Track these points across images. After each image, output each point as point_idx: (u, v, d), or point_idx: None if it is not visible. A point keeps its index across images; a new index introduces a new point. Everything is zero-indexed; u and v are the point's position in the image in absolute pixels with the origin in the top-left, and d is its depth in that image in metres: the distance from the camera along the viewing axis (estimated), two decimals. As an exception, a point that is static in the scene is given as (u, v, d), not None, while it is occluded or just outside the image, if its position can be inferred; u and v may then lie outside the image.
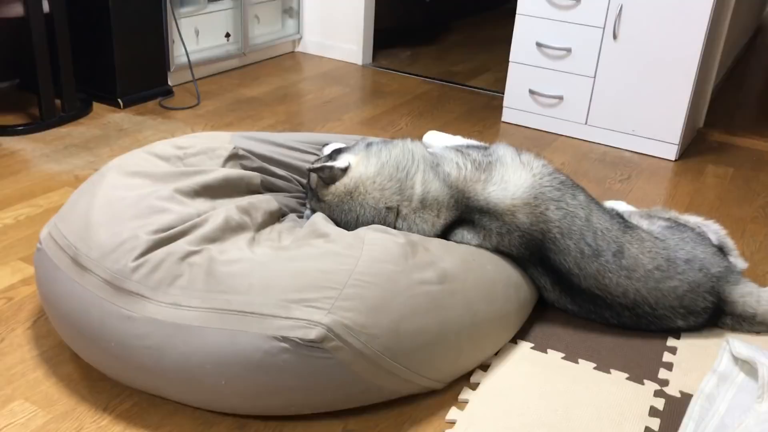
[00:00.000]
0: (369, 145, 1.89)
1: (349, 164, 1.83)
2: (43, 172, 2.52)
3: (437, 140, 2.11)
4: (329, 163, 1.82)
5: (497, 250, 1.79)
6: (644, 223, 1.91)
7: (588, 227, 1.76)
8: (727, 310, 1.83)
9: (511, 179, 1.77)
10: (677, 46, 2.83)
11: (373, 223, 1.78)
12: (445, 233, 1.80)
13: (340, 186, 1.81)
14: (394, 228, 1.78)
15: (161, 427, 1.46)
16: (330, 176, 1.82)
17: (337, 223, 1.80)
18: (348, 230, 1.70)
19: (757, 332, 1.85)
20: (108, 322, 1.45)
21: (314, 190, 1.87)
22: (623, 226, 1.81)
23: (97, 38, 3.07)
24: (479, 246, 1.78)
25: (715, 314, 1.83)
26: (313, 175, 1.87)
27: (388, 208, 1.78)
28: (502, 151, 1.85)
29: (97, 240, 1.53)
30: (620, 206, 2.23)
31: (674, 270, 1.77)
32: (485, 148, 1.88)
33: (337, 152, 1.90)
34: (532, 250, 1.77)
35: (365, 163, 1.82)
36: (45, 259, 1.58)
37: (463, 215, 1.77)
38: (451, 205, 1.77)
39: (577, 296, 1.80)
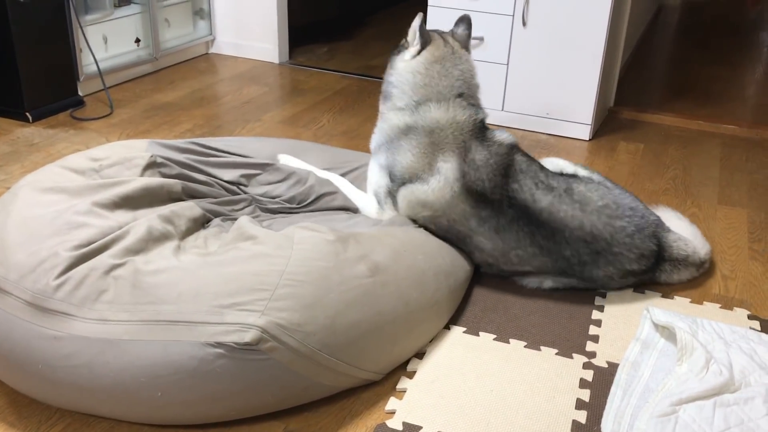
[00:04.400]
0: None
1: None
2: (-50, 194, 2.41)
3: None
4: None
5: (467, 188, 1.86)
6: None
7: (541, 169, 1.94)
8: (665, 255, 1.98)
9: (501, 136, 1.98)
10: (583, 30, 2.93)
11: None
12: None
13: None
14: None
15: (97, 446, 1.42)
16: None
17: None
18: None
19: (689, 278, 2.04)
20: (33, 344, 1.40)
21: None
22: (569, 175, 1.98)
23: (-1, 51, 2.95)
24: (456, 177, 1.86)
25: (658, 260, 1.97)
26: None
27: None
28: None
29: (15, 261, 1.48)
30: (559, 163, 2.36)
31: (622, 212, 1.92)
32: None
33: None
34: (497, 182, 1.87)
35: None
36: (-41, 285, 1.52)
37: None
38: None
39: (537, 233, 1.86)
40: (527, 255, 1.89)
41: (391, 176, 1.96)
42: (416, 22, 1.96)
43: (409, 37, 1.99)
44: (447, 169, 1.88)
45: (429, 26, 3.17)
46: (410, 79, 1.97)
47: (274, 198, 2.07)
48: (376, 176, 2.02)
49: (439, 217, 1.90)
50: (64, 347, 1.39)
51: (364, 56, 4.29)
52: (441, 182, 1.88)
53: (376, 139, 2.05)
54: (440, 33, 2.05)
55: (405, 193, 1.93)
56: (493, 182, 1.87)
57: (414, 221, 1.96)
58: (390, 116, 2.00)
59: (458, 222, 1.89)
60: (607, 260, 1.90)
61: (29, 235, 1.54)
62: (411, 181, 1.92)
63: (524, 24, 3.02)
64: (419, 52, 1.98)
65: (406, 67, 1.99)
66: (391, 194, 1.97)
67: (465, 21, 2.08)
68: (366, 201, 2.07)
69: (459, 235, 1.91)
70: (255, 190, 2.09)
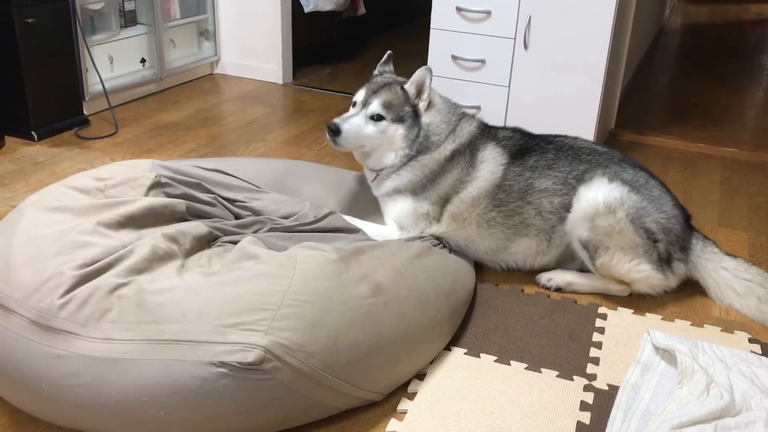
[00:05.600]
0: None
1: None
2: (-45, 211, 2.42)
3: None
4: None
5: (512, 153, 2.15)
6: None
7: None
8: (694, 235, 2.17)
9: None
10: (585, 52, 2.96)
11: None
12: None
13: None
14: None
15: (99, 465, 1.43)
16: None
17: None
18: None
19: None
20: (37, 363, 1.41)
21: None
22: None
23: (7, 70, 2.97)
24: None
25: (688, 231, 2.15)
26: None
27: None
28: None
29: (20, 280, 1.50)
30: None
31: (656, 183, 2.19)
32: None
33: None
34: (526, 139, 2.21)
35: None
36: (-35, 303, 1.53)
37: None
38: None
39: (580, 152, 2.15)
40: (579, 173, 2.09)
41: (433, 200, 2.10)
42: (428, 81, 2.15)
43: (411, 91, 2.20)
44: (489, 152, 2.13)
45: (434, 49, 3.21)
46: (442, 119, 2.17)
47: (280, 218, 2.08)
48: (409, 207, 2.12)
49: (495, 196, 2.09)
50: (68, 366, 1.40)
51: (366, 77, 4.29)
52: (490, 165, 2.11)
53: (401, 179, 2.14)
54: (398, 79, 2.31)
55: (452, 209, 2.09)
56: (524, 139, 2.18)
57: (447, 242, 2.11)
58: (430, 157, 2.13)
59: (516, 183, 2.09)
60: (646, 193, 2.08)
61: (34, 254, 1.55)
62: (456, 193, 2.09)
63: (526, 47, 3.05)
64: (430, 102, 2.18)
65: (433, 117, 2.16)
66: (428, 216, 2.09)
67: (390, 59, 2.45)
68: (386, 232, 2.12)
69: (519, 193, 2.09)
70: (259, 209, 2.10)
